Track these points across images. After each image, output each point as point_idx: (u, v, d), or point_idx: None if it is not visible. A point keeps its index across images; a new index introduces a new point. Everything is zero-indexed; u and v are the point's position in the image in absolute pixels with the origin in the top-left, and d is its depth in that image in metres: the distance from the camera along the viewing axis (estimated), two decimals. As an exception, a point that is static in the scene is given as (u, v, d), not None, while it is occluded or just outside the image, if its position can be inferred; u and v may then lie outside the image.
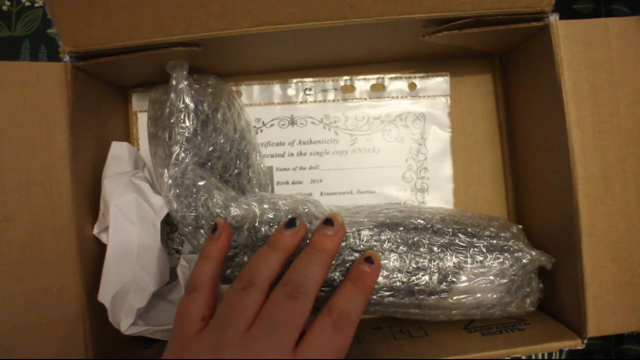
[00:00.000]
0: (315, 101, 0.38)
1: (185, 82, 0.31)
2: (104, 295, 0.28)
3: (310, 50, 0.34)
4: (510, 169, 0.38)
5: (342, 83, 0.38)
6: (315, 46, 0.33)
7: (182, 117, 0.30)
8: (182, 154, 0.30)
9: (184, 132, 0.30)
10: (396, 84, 0.38)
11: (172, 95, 0.31)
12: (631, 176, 0.29)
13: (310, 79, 0.38)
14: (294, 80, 0.38)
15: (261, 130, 0.38)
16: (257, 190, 0.35)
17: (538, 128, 0.33)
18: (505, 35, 0.31)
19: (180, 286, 0.31)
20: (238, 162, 0.34)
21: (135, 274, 0.29)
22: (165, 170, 0.30)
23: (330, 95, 0.38)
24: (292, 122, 0.38)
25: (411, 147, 0.38)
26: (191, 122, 0.30)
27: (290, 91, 0.38)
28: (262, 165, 0.37)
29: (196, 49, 0.29)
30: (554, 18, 0.29)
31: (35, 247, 0.28)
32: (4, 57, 0.41)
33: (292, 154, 0.38)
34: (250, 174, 0.35)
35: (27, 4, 0.41)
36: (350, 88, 0.38)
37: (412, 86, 0.38)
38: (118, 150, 0.34)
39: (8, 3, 0.41)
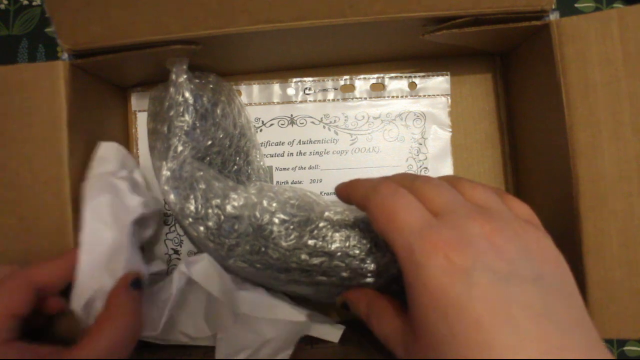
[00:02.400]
0: (315, 101, 0.38)
1: (185, 76, 0.31)
2: (76, 303, 0.27)
3: (309, 49, 0.34)
4: (511, 168, 0.38)
5: (341, 82, 0.38)
6: (315, 45, 0.33)
7: (181, 110, 0.30)
8: (181, 147, 0.30)
9: (183, 126, 0.30)
10: (396, 83, 0.38)
11: (172, 89, 0.31)
12: (636, 175, 0.28)
13: (310, 79, 0.38)
14: (294, 80, 0.38)
15: (261, 130, 0.38)
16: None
17: (539, 127, 0.33)
18: (505, 34, 0.31)
19: (172, 293, 0.29)
20: (237, 158, 0.34)
21: (104, 280, 0.27)
22: (164, 163, 0.30)
23: (330, 95, 0.38)
24: (292, 121, 0.38)
25: (411, 146, 0.38)
26: (190, 116, 0.30)
27: (290, 91, 0.38)
28: (262, 163, 0.37)
29: (195, 47, 0.29)
30: (554, 16, 0.29)
31: (32, 245, 0.28)
32: (1, 55, 0.41)
33: (292, 154, 0.38)
34: (249, 171, 0.35)
35: (25, 2, 0.41)
36: (350, 87, 0.38)
37: (412, 85, 0.38)
38: (104, 151, 0.32)
39: (6, 2, 0.41)
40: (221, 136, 0.32)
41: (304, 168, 0.38)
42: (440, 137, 0.38)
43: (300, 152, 0.38)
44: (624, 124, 0.28)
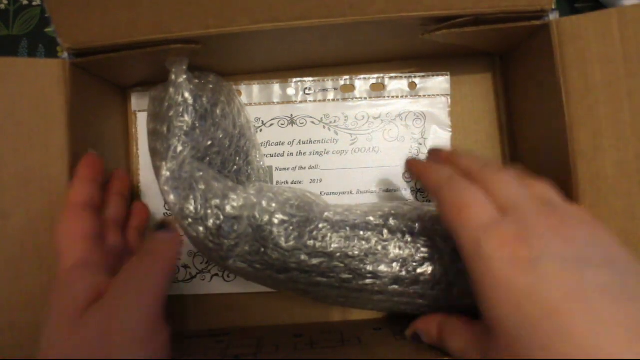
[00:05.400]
0: (315, 101, 0.38)
1: (184, 77, 0.31)
2: None
3: (309, 49, 0.34)
4: (511, 168, 0.38)
5: (341, 82, 0.38)
6: (315, 45, 0.33)
7: (181, 110, 0.30)
8: (180, 147, 0.30)
9: (183, 126, 0.30)
10: (396, 83, 0.38)
11: (171, 90, 0.31)
12: (636, 175, 0.28)
13: (310, 79, 0.38)
14: (294, 80, 0.38)
15: (261, 130, 0.38)
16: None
17: (539, 127, 0.33)
18: (505, 34, 0.31)
19: None
20: (237, 158, 0.34)
21: None
22: (164, 163, 0.30)
23: (330, 95, 0.38)
24: (292, 121, 0.38)
25: (411, 146, 0.38)
26: (190, 116, 0.30)
27: (290, 91, 0.38)
28: (261, 163, 0.37)
29: (195, 46, 0.29)
30: (554, 16, 0.29)
31: (32, 244, 0.28)
32: (2, 55, 0.41)
33: (292, 154, 0.38)
34: (249, 171, 0.35)
35: (25, 2, 0.41)
36: (350, 87, 0.38)
37: (412, 85, 0.38)
38: None
39: (6, 2, 0.41)
40: (221, 136, 0.32)
41: (304, 168, 0.38)
42: (440, 137, 0.38)
43: (300, 152, 0.38)
44: (624, 123, 0.28)
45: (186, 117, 0.30)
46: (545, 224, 0.22)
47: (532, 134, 0.34)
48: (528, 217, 0.23)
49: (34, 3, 0.41)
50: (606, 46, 0.28)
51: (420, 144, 0.38)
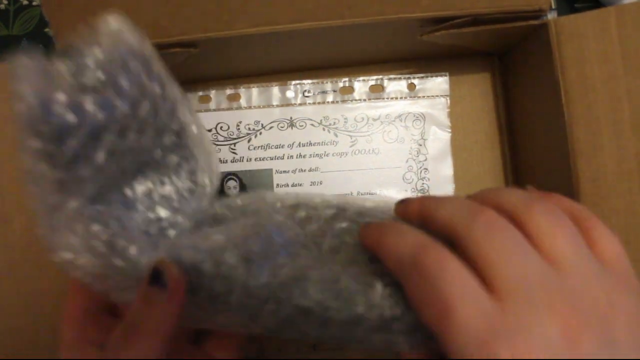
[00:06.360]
0: (314, 103, 0.38)
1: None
2: None
3: (308, 51, 0.34)
4: (512, 168, 0.38)
5: (340, 84, 0.38)
6: (314, 47, 0.33)
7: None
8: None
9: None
10: (395, 84, 0.38)
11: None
12: (636, 173, 0.28)
13: (309, 81, 0.38)
14: (293, 82, 0.38)
15: (260, 133, 0.38)
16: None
17: (538, 127, 0.33)
18: (503, 34, 0.31)
19: None
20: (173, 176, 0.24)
21: None
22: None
23: (329, 97, 0.38)
24: (292, 124, 0.38)
25: (411, 147, 0.38)
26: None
27: (289, 93, 0.38)
28: (205, 179, 0.26)
29: (193, 50, 0.29)
30: (551, 16, 0.29)
31: (33, 249, 0.28)
32: (2, 56, 0.41)
33: (292, 156, 0.38)
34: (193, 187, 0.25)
35: (25, 2, 0.41)
36: (349, 89, 0.38)
37: (411, 86, 0.38)
38: None
39: (6, 2, 0.41)
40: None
41: (304, 170, 0.38)
42: (439, 138, 0.38)
43: (300, 155, 0.38)
44: (623, 121, 0.28)
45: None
46: (558, 333, 0.16)
47: (531, 134, 0.34)
48: (535, 317, 0.17)
49: (34, 3, 0.41)
50: (604, 45, 0.28)
51: (420, 145, 0.38)
